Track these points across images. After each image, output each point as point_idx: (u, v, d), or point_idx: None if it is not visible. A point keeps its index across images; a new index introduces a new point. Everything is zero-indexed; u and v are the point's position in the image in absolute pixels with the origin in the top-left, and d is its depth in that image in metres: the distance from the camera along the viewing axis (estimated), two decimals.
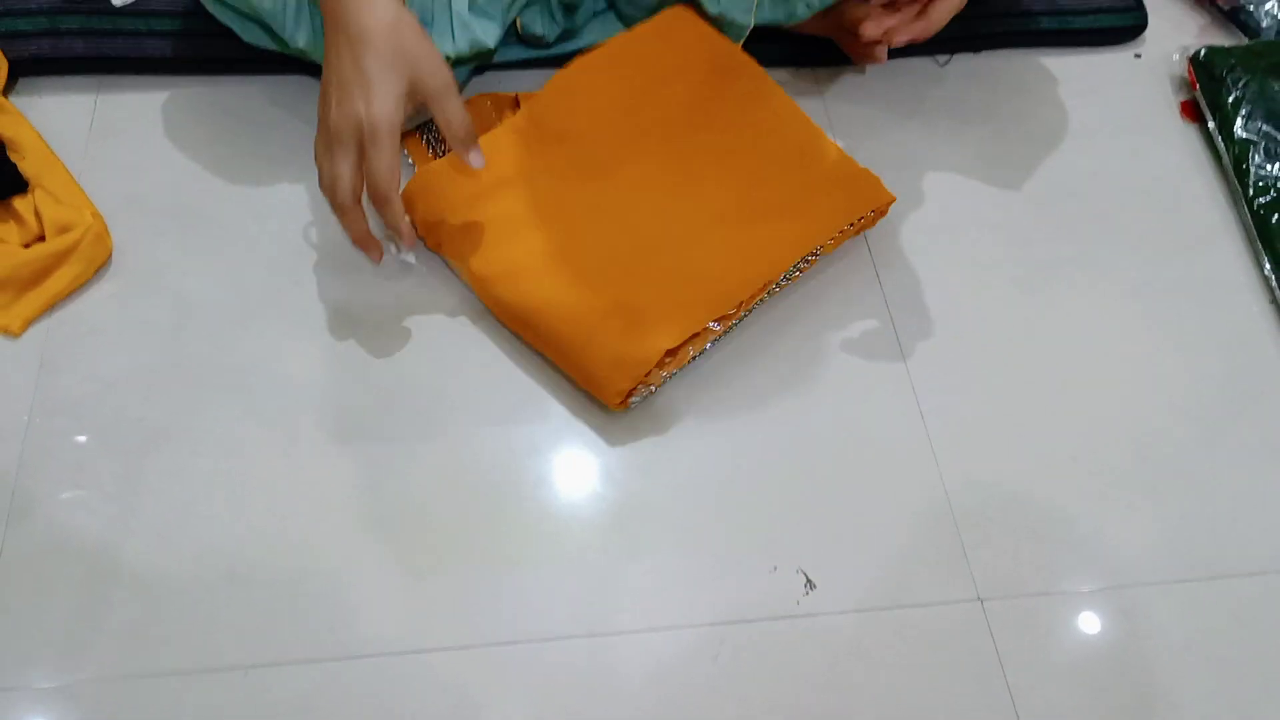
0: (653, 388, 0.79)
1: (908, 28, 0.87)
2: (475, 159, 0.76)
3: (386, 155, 0.71)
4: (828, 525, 0.77)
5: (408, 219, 0.77)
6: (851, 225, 0.85)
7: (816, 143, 0.89)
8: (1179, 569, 0.78)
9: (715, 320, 0.79)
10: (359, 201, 0.75)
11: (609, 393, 0.77)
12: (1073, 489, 0.80)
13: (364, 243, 0.78)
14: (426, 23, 0.87)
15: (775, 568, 0.75)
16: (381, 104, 0.70)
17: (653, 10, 0.97)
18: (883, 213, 0.88)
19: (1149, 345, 0.88)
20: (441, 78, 0.73)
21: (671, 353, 0.78)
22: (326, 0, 0.73)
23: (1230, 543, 0.79)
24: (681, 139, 0.88)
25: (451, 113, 0.74)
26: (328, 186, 0.74)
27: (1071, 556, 0.77)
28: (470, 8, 0.89)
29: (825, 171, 0.87)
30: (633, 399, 0.78)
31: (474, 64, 0.95)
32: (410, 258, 0.86)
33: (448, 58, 0.87)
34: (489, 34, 0.90)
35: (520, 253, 0.81)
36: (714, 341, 0.81)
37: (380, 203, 0.73)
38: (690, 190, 0.86)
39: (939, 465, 0.80)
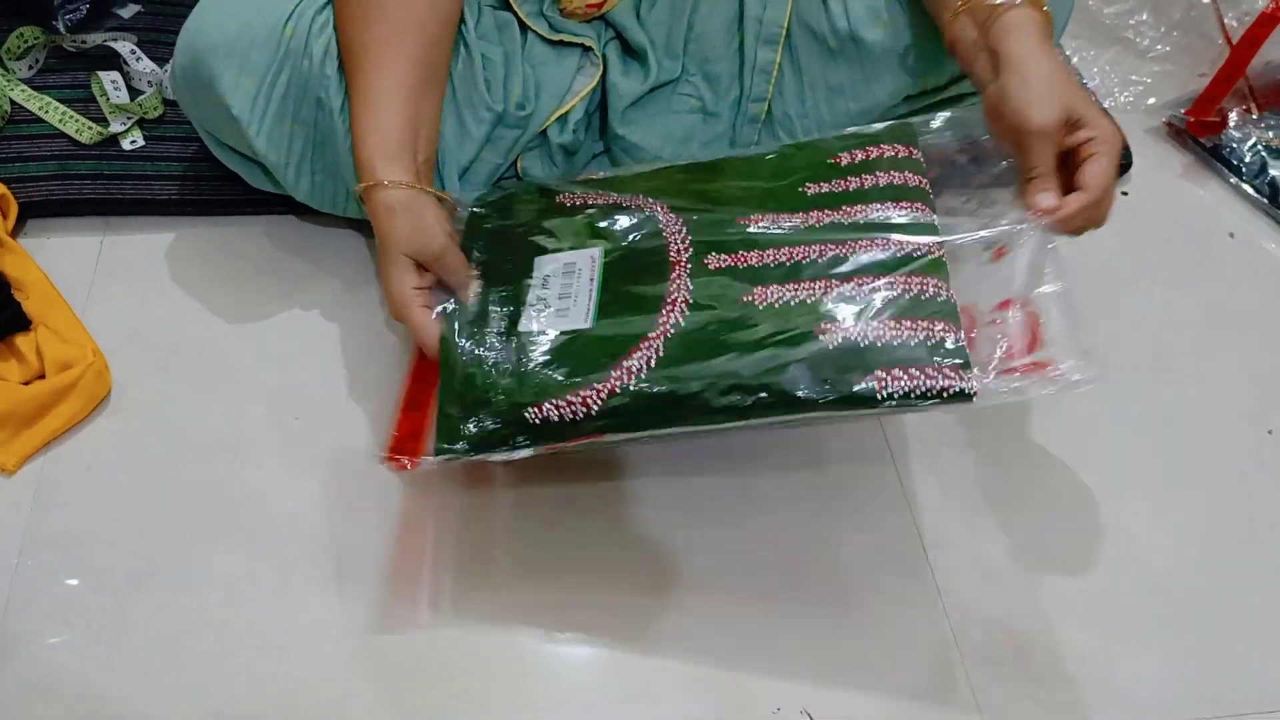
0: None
1: None
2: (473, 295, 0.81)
3: (412, 324, 0.79)
4: (832, 664, 0.75)
5: None
6: None
7: None
8: (1193, 707, 0.75)
9: None
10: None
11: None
12: (1082, 624, 0.78)
13: None
14: None
15: (779, 709, 0.73)
16: (397, 288, 0.79)
17: (647, 161, 1.00)
18: None
19: (1155, 475, 0.88)
20: (436, 245, 0.79)
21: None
22: (360, 186, 0.80)
23: (1245, 680, 0.77)
24: None
25: (448, 270, 0.80)
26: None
27: (1083, 695, 0.75)
28: (462, 177, 0.92)
29: None
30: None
31: None
32: None
33: None
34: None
35: None
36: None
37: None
38: None
39: (943, 600, 0.79)
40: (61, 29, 1.10)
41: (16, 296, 0.87)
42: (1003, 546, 0.82)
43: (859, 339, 0.70)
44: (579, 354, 0.74)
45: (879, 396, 0.68)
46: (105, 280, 0.94)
